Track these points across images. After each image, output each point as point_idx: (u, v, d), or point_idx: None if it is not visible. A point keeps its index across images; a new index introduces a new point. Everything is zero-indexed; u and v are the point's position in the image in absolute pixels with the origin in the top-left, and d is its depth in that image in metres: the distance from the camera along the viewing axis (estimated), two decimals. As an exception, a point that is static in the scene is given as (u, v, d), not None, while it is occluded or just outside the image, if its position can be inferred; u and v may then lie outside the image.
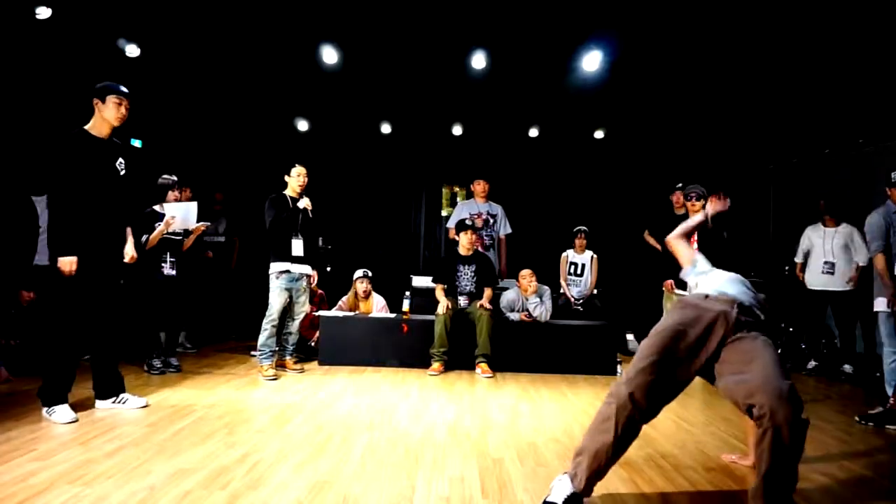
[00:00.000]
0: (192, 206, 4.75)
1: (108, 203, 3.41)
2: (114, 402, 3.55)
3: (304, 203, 4.95)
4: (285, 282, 4.87)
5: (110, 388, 3.56)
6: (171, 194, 4.87)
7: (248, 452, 2.78)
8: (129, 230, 3.67)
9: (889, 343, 4.00)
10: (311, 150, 7.98)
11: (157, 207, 4.76)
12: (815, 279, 5.73)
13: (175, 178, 4.96)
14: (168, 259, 4.80)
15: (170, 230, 4.69)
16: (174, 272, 4.83)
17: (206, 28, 5.37)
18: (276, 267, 4.89)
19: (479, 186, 6.34)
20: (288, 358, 5.10)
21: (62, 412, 3.22)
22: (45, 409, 3.25)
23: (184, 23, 5.28)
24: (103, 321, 3.47)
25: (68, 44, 5.18)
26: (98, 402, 3.55)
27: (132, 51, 5.51)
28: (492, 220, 6.25)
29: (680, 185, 6.31)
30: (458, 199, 8.37)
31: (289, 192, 5.00)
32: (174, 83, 6.30)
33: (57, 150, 3.25)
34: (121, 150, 3.52)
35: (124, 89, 3.41)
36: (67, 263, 3.22)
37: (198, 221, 4.84)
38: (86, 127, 3.37)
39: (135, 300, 5.30)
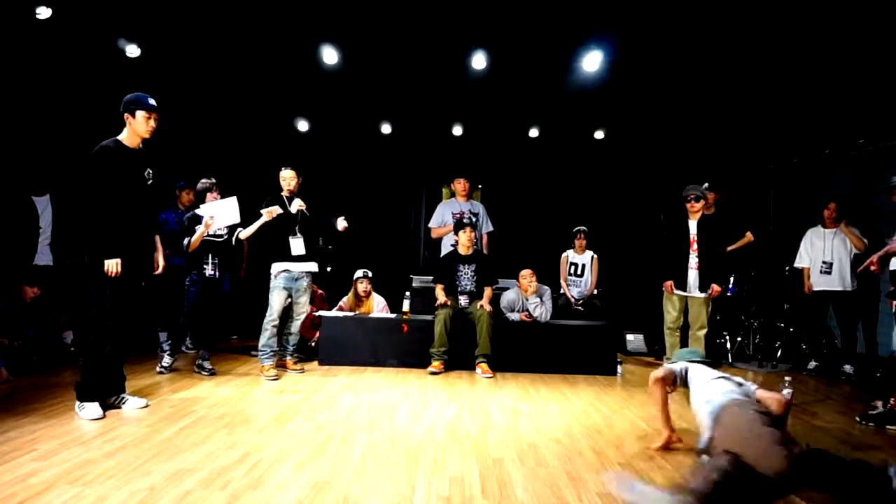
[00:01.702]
0: (232, 202, 4.73)
1: (139, 211, 3.56)
2: (113, 401, 3.56)
3: (297, 206, 4.95)
4: (284, 281, 4.87)
5: (111, 387, 3.57)
6: (209, 196, 4.87)
7: (249, 452, 2.78)
8: (157, 238, 3.82)
9: None
10: (312, 151, 7.98)
11: (198, 211, 4.77)
12: (814, 280, 5.73)
13: (213, 180, 4.95)
14: (211, 261, 4.79)
15: (211, 231, 4.71)
16: (216, 273, 4.82)
17: (207, 28, 5.37)
18: (275, 267, 4.89)
19: (460, 185, 6.33)
20: (288, 358, 5.10)
21: (91, 409, 3.32)
22: (77, 403, 3.36)
23: (184, 23, 5.28)
24: (128, 322, 3.55)
25: (69, 44, 5.18)
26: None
27: (132, 51, 5.51)
28: (474, 219, 6.25)
29: (705, 185, 6.08)
30: (444, 196, 8.36)
31: (285, 192, 5.01)
32: (175, 84, 6.30)
33: (95, 159, 3.40)
34: (149, 159, 3.65)
35: (153, 102, 3.53)
36: (114, 265, 3.37)
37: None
38: (119, 138, 3.51)
39: (165, 300, 5.33)
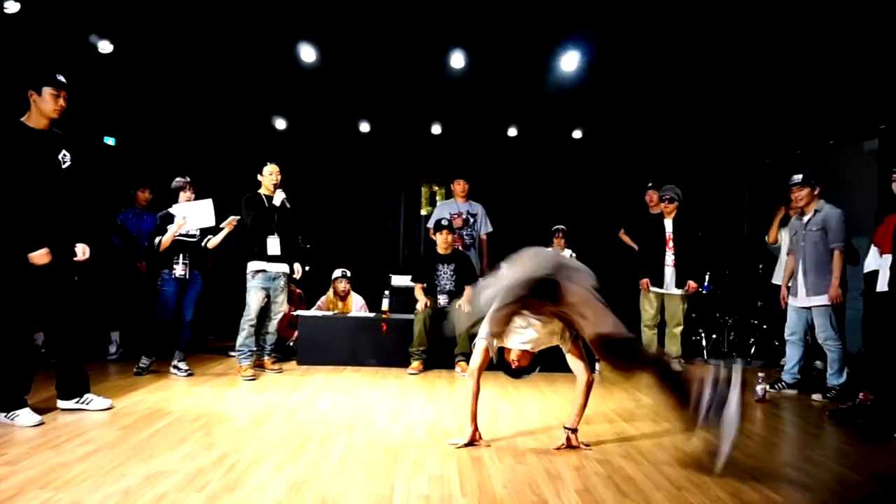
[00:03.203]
0: (207, 204, 4.69)
1: (50, 197, 3.23)
2: (77, 402, 3.45)
3: (279, 198, 4.91)
4: (262, 281, 4.83)
5: (74, 387, 3.46)
6: (182, 195, 4.81)
7: (226, 453, 2.75)
8: (83, 226, 3.55)
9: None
10: (289, 149, 7.91)
11: (171, 210, 4.71)
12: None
13: (188, 179, 4.89)
14: (181, 261, 4.71)
15: (183, 231, 4.65)
16: (186, 274, 4.74)
17: (182, 25, 5.29)
18: (252, 266, 4.84)
19: (459, 186, 6.35)
20: (266, 358, 5.05)
21: (25, 416, 3.11)
22: (2, 416, 3.12)
23: (158, 19, 5.19)
24: (63, 320, 3.37)
25: (38, 40, 5.06)
26: (60, 402, 3.46)
27: (105, 47, 5.40)
28: (472, 220, 6.26)
29: (651, 184, 6.41)
30: (438, 198, 8.37)
31: (262, 190, 4.96)
32: (149, 81, 6.19)
33: None
34: (64, 142, 3.34)
35: (62, 78, 3.21)
36: (44, 256, 3.14)
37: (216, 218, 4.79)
38: (22, 119, 3.20)
39: (99, 302, 5.23)
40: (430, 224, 6.41)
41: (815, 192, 4.55)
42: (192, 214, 4.64)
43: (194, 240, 4.81)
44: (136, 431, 3.08)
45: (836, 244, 4.40)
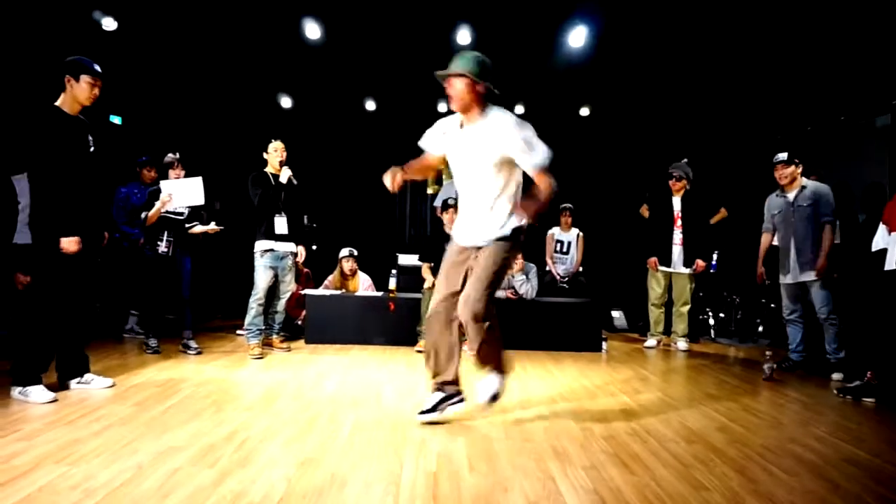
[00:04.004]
0: (196, 182, 4.66)
1: (83, 181, 3.34)
2: (78, 382, 3.47)
3: (286, 175, 4.89)
4: (269, 260, 4.84)
5: (75, 368, 3.49)
6: (171, 172, 4.79)
7: (236, 430, 2.79)
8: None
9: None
10: (295, 127, 7.88)
11: (162, 184, 4.70)
12: None
13: (177, 155, 4.87)
14: (165, 237, 4.73)
15: (169, 208, 4.65)
16: (168, 251, 4.74)
17: (186, 1, 5.24)
18: (259, 245, 4.85)
19: None
20: (275, 336, 5.09)
21: (38, 392, 3.15)
22: (17, 390, 3.17)
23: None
24: (78, 300, 3.41)
25: (43, 17, 5.03)
26: (62, 382, 3.46)
27: (109, 24, 5.36)
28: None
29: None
30: (445, 177, 8.33)
31: (269, 169, 4.95)
32: (153, 58, 6.16)
33: (32, 126, 3.17)
34: (89, 127, 3.44)
35: (98, 69, 3.30)
36: (74, 243, 3.22)
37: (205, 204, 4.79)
38: (57, 103, 3.29)
39: (118, 277, 5.25)
40: (437, 203, 6.39)
41: (799, 170, 4.65)
42: (179, 192, 4.61)
43: (181, 217, 4.81)
44: (148, 408, 3.12)
45: (825, 218, 4.51)
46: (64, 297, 3.31)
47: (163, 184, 4.65)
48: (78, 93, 3.26)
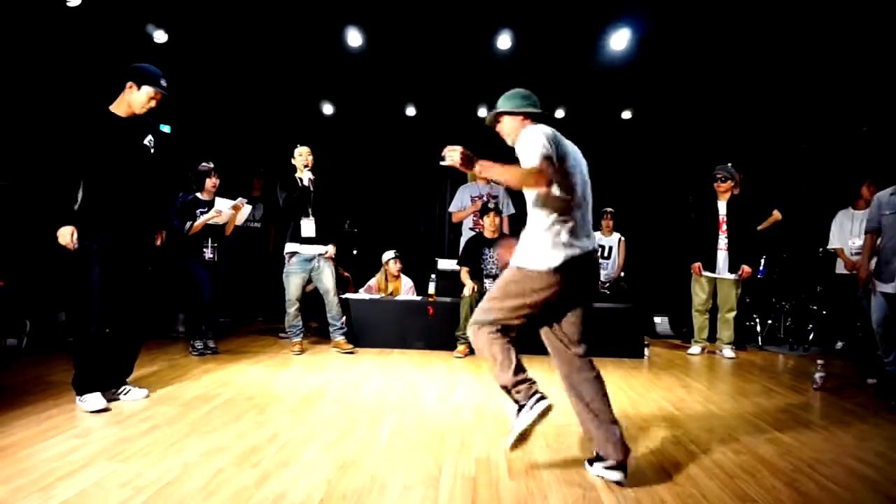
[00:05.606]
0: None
1: (136, 182, 3.27)
2: (114, 392, 3.35)
3: (307, 178, 4.97)
4: (297, 265, 4.96)
5: (117, 375, 3.38)
6: (208, 181, 4.89)
7: (278, 432, 2.84)
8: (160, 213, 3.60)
9: None
10: (337, 134, 8.01)
11: (199, 195, 4.84)
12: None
13: (212, 164, 5.00)
14: (210, 244, 4.86)
15: (212, 222, 4.78)
16: (215, 257, 4.87)
17: (233, 13, 5.40)
18: (287, 248, 4.99)
19: None
20: (340, 338, 5.15)
21: (92, 400, 3.10)
22: (77, 398, 3.14)
23: (210, 8, 5.31)
24: (131, 306, 3.32)
25: (98, 31, 5.25)
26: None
27: (160, 37, 5.56)
28: (492, 202, 6.21)
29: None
30: (469, 178, 8.33)
31: (298, 173, 5.04)
32: (202, 69, 6.35)
33: (80, 128, 3.16)
34: (150, 127, 3.41)
35: (164, 83, 3.28)
36: (67, 234, 3.09)
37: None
38: (111, 107, 3.27)
39: (169, 284, 5.40)
40: (452, 208, 6.41)
41: None
42: (226, 210, 4.78)
43: (222, 224, 4.94)
44: (194, 409, 3.20)
45: None
46: (116, 303, 3.22)
47: (218, 201, 4.77)
48: (134, 100, 3.23)
